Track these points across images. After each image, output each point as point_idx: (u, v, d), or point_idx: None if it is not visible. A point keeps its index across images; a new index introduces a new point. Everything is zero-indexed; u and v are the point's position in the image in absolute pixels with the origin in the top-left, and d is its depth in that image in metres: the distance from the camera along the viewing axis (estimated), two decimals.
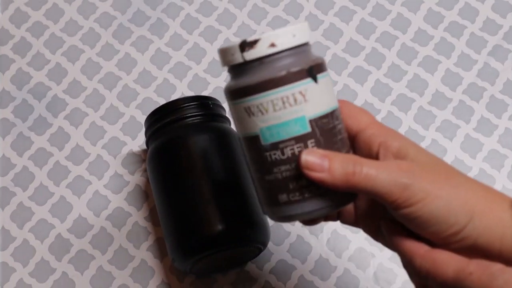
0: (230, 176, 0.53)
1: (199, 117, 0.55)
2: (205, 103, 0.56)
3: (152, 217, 0.62)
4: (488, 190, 0.37)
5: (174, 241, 0.52)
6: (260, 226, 0.53)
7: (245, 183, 0.54)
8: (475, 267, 0.35)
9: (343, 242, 0.60)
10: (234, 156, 0.54)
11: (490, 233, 0.36)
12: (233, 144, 0.55)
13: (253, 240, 0.52)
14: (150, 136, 0.56)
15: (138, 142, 0.64)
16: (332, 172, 0.37)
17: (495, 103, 0.64)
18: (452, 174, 0.37)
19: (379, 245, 0.59)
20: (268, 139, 0.38)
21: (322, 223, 0.60)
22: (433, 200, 0.36)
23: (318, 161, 0.37)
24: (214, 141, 0.54)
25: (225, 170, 0.53)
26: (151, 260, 0.60)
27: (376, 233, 0.42)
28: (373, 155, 0.39)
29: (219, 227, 0.50)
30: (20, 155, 0.64)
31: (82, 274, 0.60)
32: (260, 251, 0.55)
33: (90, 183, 0.63)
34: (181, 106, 0.55)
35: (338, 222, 0.60)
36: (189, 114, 0.55)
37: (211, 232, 0.50)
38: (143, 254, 0.60)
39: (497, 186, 0.61)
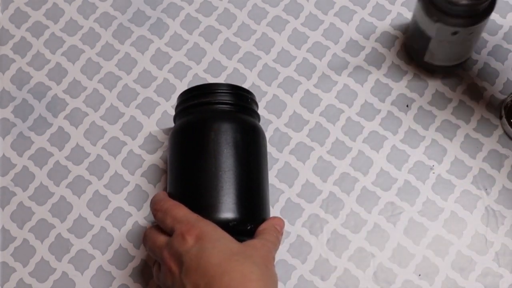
0: (245, 169, 0.53)
1: (232, 106, 0.55)
2: (243, 95, 0.56)
3: (152, 217, 0.62)
4: None
5: None
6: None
7: (259, 181, 0.54)
8: None
9: (343, 242, 0.60)
10: (256, 153, 0.54)
11: None
12: (259, 141, 0.55)
13: (251, 236, 0.52)
14: (180, 111, 0.56)
15: (138, 142, 0.64)
16: None
17: (495, 104, 0.64)
18: None
19: (379, 245, 0.60)
20: None
21: (322, 223, 0.60)
22: None
23: None
24: (239, 133, 0.54)
25: (241, 163, 0.53)
26: (151, 260, 0.60)
27: None
28: None
29: (222, 215, 0.51)
30: (20, 155, 0.64)
31: (82, 274, 0.60)
32: None
33: (90, 183, 0.63)
34: (219, 90, 0.55)
35: (337, 222, 0.60)
36: (224, 101, 0.55)
37: (213, 219, 0.50)
38: (143, 253, 0.60)
39: (497, 185, 0.61)
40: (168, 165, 0.55)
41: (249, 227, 0.52)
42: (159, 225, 0.51)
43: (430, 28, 0.56)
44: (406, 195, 0.61)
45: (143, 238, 0.52)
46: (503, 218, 0.60)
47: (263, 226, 0.52)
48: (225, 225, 0.50)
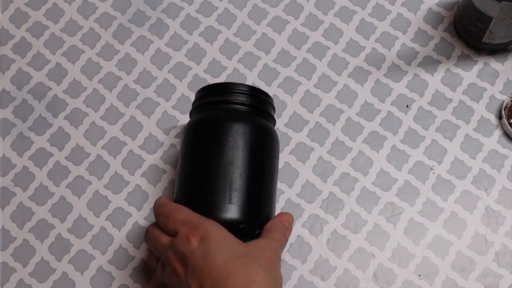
0: (258, 173, 0.53)
1: (252, 109, 0.55)
2: (261, 98, 0.56)
3: (153, 217, 0.62)
4: None
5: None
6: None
7: (270, 186, 0.54)
8: None
9: (343, 242, 0.60)
10: (270, 157, 0.54)
11: None
12: (274, 145, 0.55)
13: (254, 238, 0.52)
14: (196, 107, 0.56)
15: (138, 142, 0.64)
16: None
17: (495, 104, 0.64)
18: None
19: (379, 245, 0.60)
20: None
21: (322, 223, 0.60)
22: None
23: None
24: (257, 136, 0.54)
25: (255, 166, 0.53)
26: (151, 258, 0.60)
27: None
28: None
29: (232, 216, 0.51)
30: (20, 155, 0.64)
31: (82, 274, 0.60)
32: None
33: (90, 183, 0.63)
34: (238, 90, 0.55)
35: (337, 223, 0.60)
36: (241, 101, 0.55)
37: (222, 218, 0.50)
38: (143, 254, 0.60)
39: (497, 185, 0.61)
40: (180, 158, 0.55)
41: (257, 232, 0.52)
42: (162, 229, 0.51)
43: (493, 8, 0.57)
44: (406, 195, 0.61)
45: (145, 234, 0.52)
46: (503, 218, 0.60)
47: (270, 223, 0.52)
48: (233, 226, 0.50)
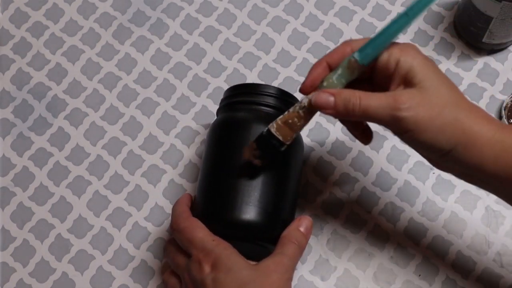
0: (274, 175, 0.52)
1: (275, 110, 0.55)
2: (289, 102, 0.56)
3: (153, 217, 0.62)
4: (477, 122, 0.43)
5: (202, 212, 0.52)
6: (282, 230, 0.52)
7: (287, 187, 0.53)
8: None
9: (343, 242, 0.60)
10: (295, 163, 0.54)
11: (471, 156, 0.44)
12: (296, 149, 0.55)
13: (271, 243, 0.52)
14: (224, 106, 0.56)
15: (138, 142, 0.64)
16: (337, 108, 0.45)
17: (495, 104, 0.64)
18: (446, 105, 0.44)
19: (379, 245, 0.60)
20: None
21: (322, 223, 0.60)
22: (422, 133, 0.43)
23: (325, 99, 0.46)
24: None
25: (273, 169, 0.52)
26: (151, 260, 0.60)
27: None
28: (389, 75, 0.46)
29: (247, 216, 0.50)
30: (20, 155, 0.64)
31: (82, 274, 0.60)
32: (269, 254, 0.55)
33: (90, 183, 0.63)
34: (266, 92, 0.55)
35: (337, 222, 0.60)
36: (267, 103, 0.54)
37: (235, 219, 0.50)
38: (143, 254, 0.60)
39: None
40: (203, 155, 0.55)
41: (266, 230, 0.51)
42: (177, 243, 0.51)
43: (493, 8, 0.58)
44: (406, 195, 0.61)
45: (164, 249, 0.53)
46: (503, 218, 0.60)
47: (286, 231, 0.51)
48: (253, 228, 0.50)
